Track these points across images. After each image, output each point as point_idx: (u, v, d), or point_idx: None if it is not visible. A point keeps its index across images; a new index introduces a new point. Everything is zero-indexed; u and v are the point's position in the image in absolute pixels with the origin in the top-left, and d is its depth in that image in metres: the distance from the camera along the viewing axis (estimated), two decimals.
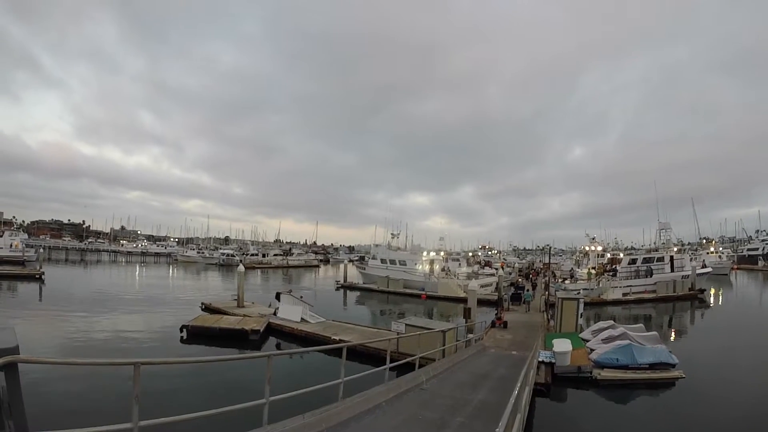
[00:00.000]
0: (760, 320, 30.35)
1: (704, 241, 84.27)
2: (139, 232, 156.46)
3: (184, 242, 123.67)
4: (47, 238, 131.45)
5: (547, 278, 40.82)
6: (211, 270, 72.80)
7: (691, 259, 48.26)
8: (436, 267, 47.71)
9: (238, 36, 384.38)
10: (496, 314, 25.52)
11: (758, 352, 19.81)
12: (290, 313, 23.26)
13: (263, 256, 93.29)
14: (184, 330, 20.56)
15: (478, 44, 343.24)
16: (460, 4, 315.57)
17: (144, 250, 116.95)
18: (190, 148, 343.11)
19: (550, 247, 57.34)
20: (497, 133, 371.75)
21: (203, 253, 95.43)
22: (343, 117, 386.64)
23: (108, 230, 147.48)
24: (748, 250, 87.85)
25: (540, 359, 14.99)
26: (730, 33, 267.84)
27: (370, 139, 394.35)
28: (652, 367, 15.59)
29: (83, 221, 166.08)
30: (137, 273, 64.09)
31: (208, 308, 27.45)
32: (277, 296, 25.30)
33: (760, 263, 78.87)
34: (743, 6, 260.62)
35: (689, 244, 73.78)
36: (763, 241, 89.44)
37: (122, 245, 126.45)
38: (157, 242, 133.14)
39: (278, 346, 20.07)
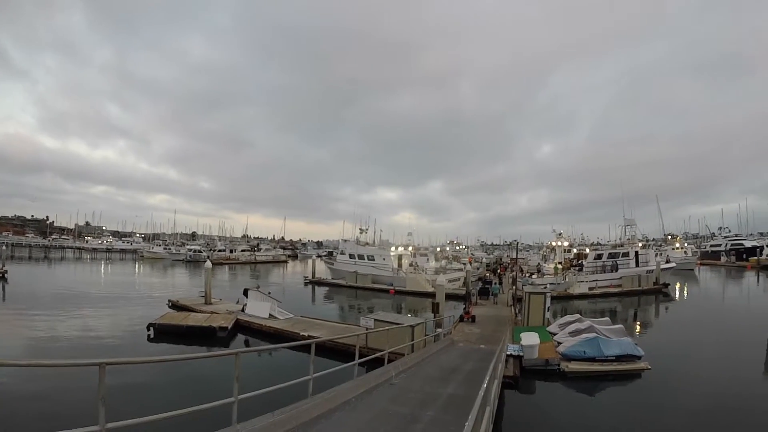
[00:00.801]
0: (723, 314, 31.97)
1: (669, 237, 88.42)
2: (104, 228, 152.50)
3: (150, 238, 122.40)
4: (10, 235, 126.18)
5: (514, 273, 41.80)
6: (178, 266, 72.85)
7: (656, 255, 50.32)
8: (405, 262, 48.20)
9: (209, 28, 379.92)
10: (465, 309, 26.09)
11: (721, 345, 20.91)
12: (258, 309, 23.30)
13: (231, 251, 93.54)
14: (151, 328, 20.51)
15: (453, 41, 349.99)
16: (435, 1, 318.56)
17: (109, 247, 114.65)
18: (157, 141, 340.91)
19: (518, 243, 58.90)
20: (468, 129, 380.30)
21: (170, 249, 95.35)
22: (315, 112, 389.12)
23: (72, 226, 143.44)
24: (711, 246, 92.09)
25: (508, 353, 15.39)
26: (702, 37, 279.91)
27: (341, 134, 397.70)
28: (619, 359, 16.28)
29: (47, 217, 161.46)
30: (103, 270, 63.15)
31: (175, 305, 27.41)
32: (245, 292, 25.30)
33: (723, 259, 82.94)
34: (716, 12, 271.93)
35: (654, 240, 77.10)
36: (725, 237, 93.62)
37: (87, 242, 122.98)
38: (123, 238, 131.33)
39: (246, 343, 20.08)
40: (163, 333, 20.17)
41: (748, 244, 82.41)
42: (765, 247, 75.90)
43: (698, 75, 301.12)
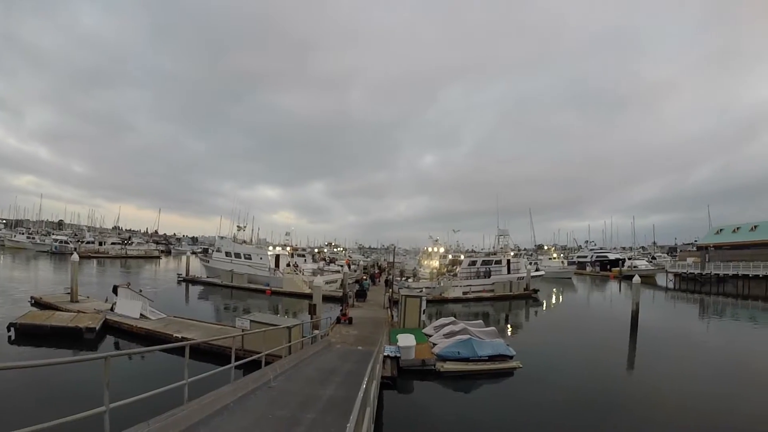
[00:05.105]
0: (588, 318, 37.34)
1: (544, 247, 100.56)
2: None
3: (12, 225, 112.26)
4: None
5: (391, 276, 43.76)
6: (42, 258, 69.01)
7: (531, 263, 56.10)
8: (282, 262, 48.45)
9: None
10: (342, 310, 26.79)
11: (585, 346, 24.41)
12: (129, 308, 22.44)
13: (100, 244, 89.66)
14: (12, 328, 18.96)
15: (350, 47, 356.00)
16: (339, 5, 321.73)
17: None
18: (31, 115, 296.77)
19: (395, 247, 61.37)
20: (354, 134, 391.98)
21: (34, 238, 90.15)
22: (203, 101, 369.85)
23: None
24: (578, 257, 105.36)
25: (386, 354, 16.39)
26: (584, 74, 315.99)
27: (225, 127, 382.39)
28: (492, 358, 18.08)
29: None
30: None
31: (38, 303, 25.57)
32: (115, 290, 24.23)
33: (588, 269, 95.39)
34: (600, 54, 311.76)
35: (525, 249, 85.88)
36: (591, 250, 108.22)
37: None
38: None
39: (116, 346, 19.32)
40: (25, 334, 18.85)
41: (611, 256, 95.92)
42: (626, 259, 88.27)
43: (577, 105, 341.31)
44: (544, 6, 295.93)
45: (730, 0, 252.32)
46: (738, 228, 72.04)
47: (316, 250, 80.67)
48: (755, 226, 68.03)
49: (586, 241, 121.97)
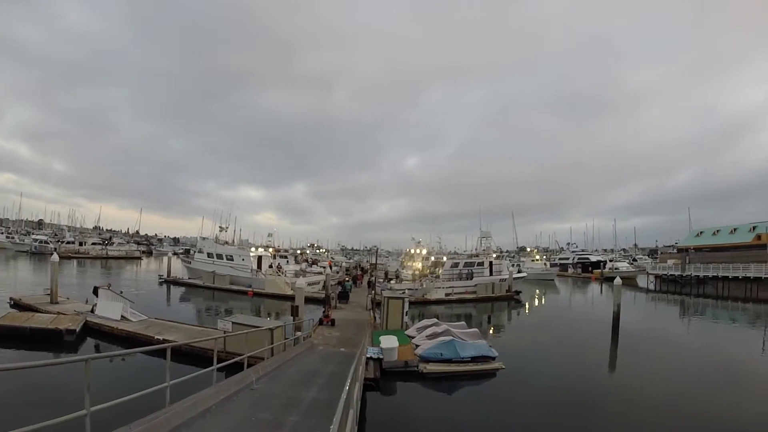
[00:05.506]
0: (570, 319, 38.03)
1: (527, 249, 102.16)
2: None
3: None
4: None
5: (373, 278, 43.92)
6: (22, 258, 68.43)
7: (513, 265, 56.56)
8: (264, 263, 48.43)
9: None
10: (324, 312, 26.84)
11: (567, 346, 24.71)
12: (109, 310, 22.22)
13: (81, 244, 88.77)
14: None
15: (337, 48, 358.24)
16: (326, 5, 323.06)
17: None
18: (11, 111, 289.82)
19: (378, 249, 61.76)
20: (338, 134, 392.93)
21: (13, 237, 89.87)
22: (187, 100, 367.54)
23: None
24: (560, 259, 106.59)
25: (368, 355, 16.48)
26: (570, 78, 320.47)
27: (210, 126, 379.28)
28: (474, 360, 18.28)
29: None
30: None
31: (18, 304, 25.16)
32: (95, 291, 23.98)
33: (570, 270, 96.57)
34: (586, 60, 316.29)
35: (507, 251, 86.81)
36: (573, 252, 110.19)
37: None
38: None
39: (97, 348, 19.11)
40: (4, 336, 18.60)
41: (593, 258, 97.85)
42: (608, 261, 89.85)
43: (563, 109, 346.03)
44: (531, 10, 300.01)
45: (713, 7, 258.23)
46: (718, 230, 73.68)
47: (298, 252, 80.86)
48: (735, 229, 69.66)
49: (568, 243, 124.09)
